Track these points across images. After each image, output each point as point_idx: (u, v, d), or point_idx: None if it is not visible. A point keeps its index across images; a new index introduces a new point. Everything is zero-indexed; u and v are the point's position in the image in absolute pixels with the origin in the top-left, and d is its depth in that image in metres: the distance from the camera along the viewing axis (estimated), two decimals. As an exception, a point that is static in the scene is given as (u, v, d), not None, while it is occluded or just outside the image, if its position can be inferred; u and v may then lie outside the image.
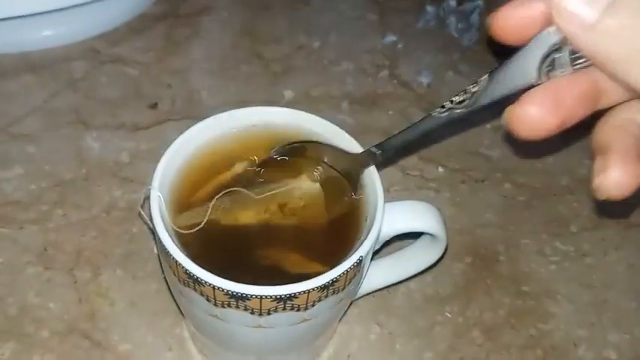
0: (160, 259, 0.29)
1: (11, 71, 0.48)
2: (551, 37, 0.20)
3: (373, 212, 0.28)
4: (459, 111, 0.23)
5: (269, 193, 0.30)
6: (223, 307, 0.26)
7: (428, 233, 0.31)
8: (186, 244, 0.27)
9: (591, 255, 0.41)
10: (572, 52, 0.20)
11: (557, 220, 0.43)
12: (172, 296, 0.34)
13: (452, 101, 0.23)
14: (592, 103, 0.21)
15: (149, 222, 0.27)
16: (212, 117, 0.31)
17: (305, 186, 0.30)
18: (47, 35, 0.49)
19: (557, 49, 0.20)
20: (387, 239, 0.30)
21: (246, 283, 0.25)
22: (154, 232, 0.27)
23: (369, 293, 0.35)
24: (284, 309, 0.26)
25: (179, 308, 0.34)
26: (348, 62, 0.52)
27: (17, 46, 0.49)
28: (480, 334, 0.37)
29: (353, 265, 0.26)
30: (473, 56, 0.52)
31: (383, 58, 0.52)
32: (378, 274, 0.33)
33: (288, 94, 0.48)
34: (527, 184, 0.44)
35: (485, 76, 0.22)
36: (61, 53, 0.49)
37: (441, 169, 0.45)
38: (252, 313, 0.26)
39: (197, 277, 0.25)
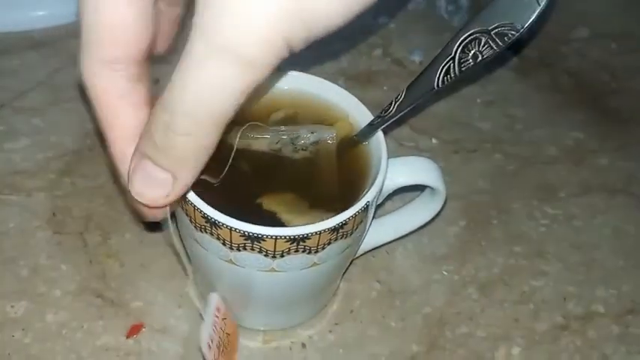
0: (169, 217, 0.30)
1: (14, 49, 0.48)
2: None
3: (378, 163, 0.30)
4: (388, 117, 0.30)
5: (282, 127, 0.31)
6: (239, 250, 0.27)
7: (428, 186, 0.32)
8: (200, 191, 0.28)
9: (579, 218, 0.43)
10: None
11: (546, 187, 0.45)
12: (179, 261, 0.35)
13: (384, 110, 0.30)
14: None
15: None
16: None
17: (317, 128, 0.32)
18: (48, 14, 0.50)
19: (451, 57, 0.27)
20: (390, 192, 0.32)
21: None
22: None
23: (373, 249, 0.36)
24: (296, 251, 0.27)
25: (184, 271, 0.35)
26: (342, 42, 0.53)
27: (19, 24, 0.50)
28: (475, 291, 0.38)
29: (361, 209, 0.28)
30: (463, 36, 0.54)
31: (376, 38, 0.54)
32: (382, 230, 0.35)
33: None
34: (516, 153, 0.46)
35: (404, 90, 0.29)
36: (63, 31, 0.50)
37: (434, 141, 0.47)
38: (267, 255, 0.27)
39: (215, 220, 0.27)
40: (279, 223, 0.29)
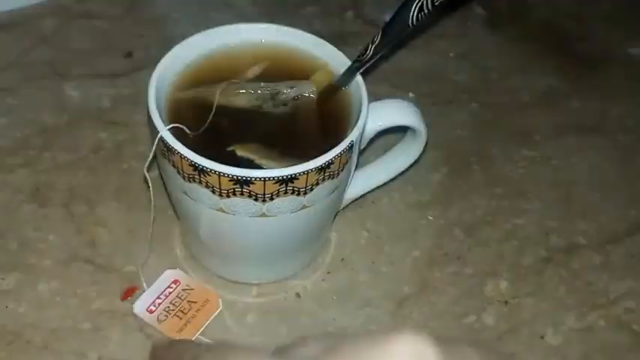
0: (160, 176, 0.30)
1: (-19, 31, 0.48)
2: None
3: (359, 105, 0.30)
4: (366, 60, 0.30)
5: (262, 83, 0.32)
6: (228, 196, 0.28)
7: (409, 128, 0.33)
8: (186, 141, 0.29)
9: (556, 158, 0.44)
10: None
11: (523, 131, 0.46)
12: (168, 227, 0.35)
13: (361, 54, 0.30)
14: None
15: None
16: (201, 33, 0.32)
17: (296, 83, 0.32)
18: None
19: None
20: (372, 136, 0.32)
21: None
22: (152, 132, 0.28)
23: (360, 197, 0.37)
24: (285, 192, 0.28)
25: (178, 217, 0.35)
26: (314, 6, 0.53)
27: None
28: (461, 232, 0.39)
29: (346, 148, 0.28)
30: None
31: (346, 0, 0.54)
32: (369, 175, 0.35)
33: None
34: (491, 102, 0.47)
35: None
36: (31, 12, 0.49)
37: (411, 94, 0.47)
38: (256, 199, 0.28)
39: (202, 167, 0.27)
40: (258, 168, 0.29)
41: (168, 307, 0.33)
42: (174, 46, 0.32)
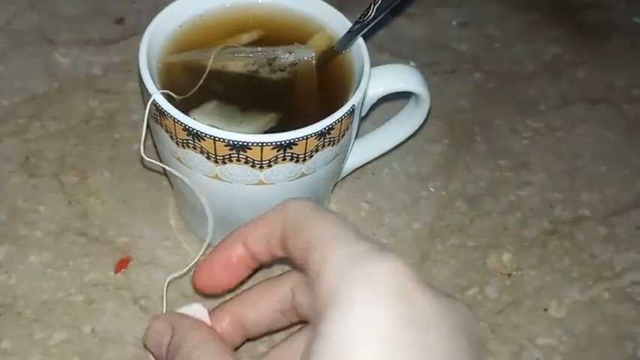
0: (153, 144, 0.28)
1: (-34, -5, 0.46)
2: None
3: (360, 69, 0.29)
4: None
5: (259, 48, 0.30)
6: (224, 162, 0.27)
7: (412, 93, 0.32)
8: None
9: (560, 129, 0.43)
10: None
11: (527, 102, 0.44)
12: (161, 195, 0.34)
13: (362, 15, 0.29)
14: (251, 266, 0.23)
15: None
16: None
17: (295, 48, 0.31)
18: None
19: None
20: (374, 102, 0.31)
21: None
22: (142, 96, 0.27)
23: (360, 167, 0.36)
24: (284, 159, 0.27)
25: (172, 187, 0.34)
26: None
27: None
28: (464, 204, 0.38)
29: (346, 113, 0.27)
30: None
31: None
32: (369, 144, 0.34)
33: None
34: (495, 71, 0.46)
35: None
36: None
37: (412, 64, 0.46)
38: (254, 165, 0.27)
39: (197, 132, 0.26)
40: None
41: None
42: (167, 6, 0.31)
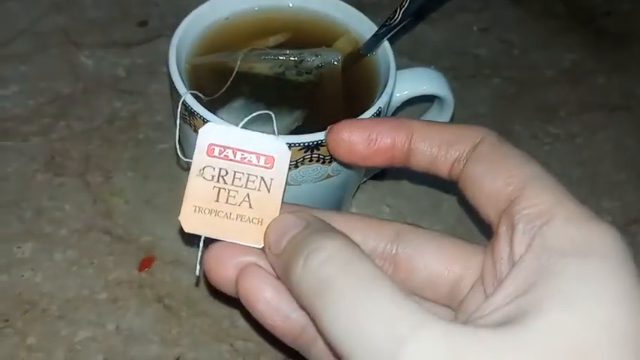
0: (178, 146, 0.28)
1: (-6, -2, 0.47)
2: None
3: (386, 72, 0.29)
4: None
5: (287, 51, 0.31)
6: (252, 163, 0.27)
7: (436, 97, 0.32)
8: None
9: (580, 136, 0.43)
10: None
11: (547, 108, 0.45)
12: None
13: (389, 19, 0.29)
14: (400, 157, 0.22)
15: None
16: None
17: (322, 50, 0.31)
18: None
19: None
20: (398, 105, 0.32)
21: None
22: (172, 96, 0.27)
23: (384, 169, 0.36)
24: (310, 160, 0.27)
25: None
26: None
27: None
28: (484, 209, 0.38)
29: (374, 115, 0.27)
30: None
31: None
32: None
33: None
34: (515, 77, 0.46)
35: None
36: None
37: (432, 68, 0.46)
38: (281, 166, 0.27)
39: (226, 132, 0.26)
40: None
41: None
42: (195, 9, 0.31)
